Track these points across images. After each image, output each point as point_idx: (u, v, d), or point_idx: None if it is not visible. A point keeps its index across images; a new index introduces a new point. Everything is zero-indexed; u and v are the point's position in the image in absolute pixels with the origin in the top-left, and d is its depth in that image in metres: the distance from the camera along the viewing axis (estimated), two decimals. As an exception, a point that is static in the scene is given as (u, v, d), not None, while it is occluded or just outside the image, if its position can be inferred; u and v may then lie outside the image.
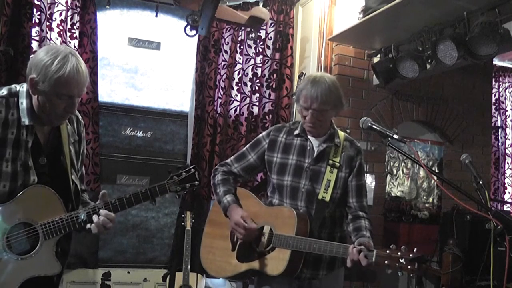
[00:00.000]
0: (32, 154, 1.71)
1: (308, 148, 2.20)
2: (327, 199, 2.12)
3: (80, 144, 1.92)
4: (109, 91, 4.12)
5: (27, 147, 1.69)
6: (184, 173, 1.89)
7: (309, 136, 2.22)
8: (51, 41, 3.64)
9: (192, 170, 1.91)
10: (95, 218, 1.72)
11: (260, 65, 4.17)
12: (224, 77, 4.09)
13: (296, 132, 2.24)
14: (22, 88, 1.73)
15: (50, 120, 1.75)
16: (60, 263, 1.75)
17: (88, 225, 1.75)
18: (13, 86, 1.75)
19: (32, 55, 3.49)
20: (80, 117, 1.94)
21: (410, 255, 1.76)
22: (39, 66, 1.65)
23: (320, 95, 2.08)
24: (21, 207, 1.66)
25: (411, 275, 1.77)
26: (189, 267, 3.42)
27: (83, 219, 1.72)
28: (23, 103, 1.70)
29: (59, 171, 1.79)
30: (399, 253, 1.79)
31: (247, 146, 2.36)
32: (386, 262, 1.80)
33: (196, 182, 1.91)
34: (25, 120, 1.69)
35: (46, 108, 1.69)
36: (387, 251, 1.81)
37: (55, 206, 1.71)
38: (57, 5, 3.69)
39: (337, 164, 2.17)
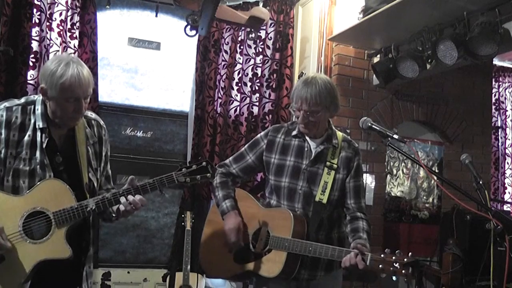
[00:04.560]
0: (48, 153, 1.91)
1: (306, 149, 2.19)
2: (324, 201, 2.11)
3: (101, 145, 2.09)
4: (109, 91, 4.12)
5: (42, 147, 1.89)
6: (194, 166, 1.96)
7: (307, 137, 2.20)
8: (51, 41, 3.65)
9: (204, 163, 1.97)
10: (122, 199, 1.89)
11: (260, 65, 4.17)
12: (224, 77, 4.08)
13: (294, 132, 2.23)
14: (39, 97, 1.95)
15: (64, 122, 1.93)
16: (82, 253, 1.97)
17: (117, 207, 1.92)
18: (31, 96, 2.01)
19: (31, 55, 3.56)
20: (101, 122, 2.13)
21: (405, 260, 1.74)
22: (46, 75, 1.85)
23: (310, 96, 2.07)
24: (36, 197, 1.85)
25: (405, 279, 1.74)
26: (189, 267, 3.42)
27: (92, 208, 1.86)
28: (39, 109, 1.92)
29: (74, 169, 1.97)
30: (393, 257, 1.77)
31: (246, 146, 2.35)
32: (380, 266, 1.78)
33: (209, 174, 1.96)
34: (40, 123, 1.90)
35: (58, 112, 1.89)
36: (382, 255, 1.79)
37: (66, 197, 1.87)
38: (57, 5, 3.69)
39: (335, 166, 2.15)
